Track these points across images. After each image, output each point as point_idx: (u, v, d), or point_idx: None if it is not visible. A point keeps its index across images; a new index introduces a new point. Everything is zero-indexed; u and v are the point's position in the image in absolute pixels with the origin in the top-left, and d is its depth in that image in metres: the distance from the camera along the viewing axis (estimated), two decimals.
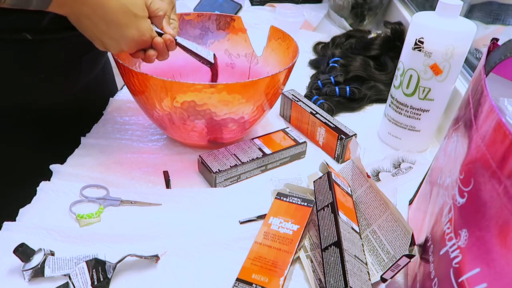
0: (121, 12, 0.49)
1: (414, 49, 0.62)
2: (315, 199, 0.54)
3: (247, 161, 0.61)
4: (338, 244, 0.45)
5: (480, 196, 0.30)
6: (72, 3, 0.47)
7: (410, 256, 0.43)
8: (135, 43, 0.52)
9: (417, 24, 0.61)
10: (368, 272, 0.46)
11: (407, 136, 0.69)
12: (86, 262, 0.46)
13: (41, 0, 0.46)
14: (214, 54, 0.64)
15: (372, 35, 1.02)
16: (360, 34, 1.05)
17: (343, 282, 0.42)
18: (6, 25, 0.54)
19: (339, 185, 0.54)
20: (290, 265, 0.46)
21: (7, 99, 0.61)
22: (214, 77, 0.66)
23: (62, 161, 0.62)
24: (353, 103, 0.81)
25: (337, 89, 0.80)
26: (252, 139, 0.67)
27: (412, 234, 0.44)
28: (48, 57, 0.61)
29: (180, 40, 0.58)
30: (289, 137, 0.67)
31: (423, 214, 0.46)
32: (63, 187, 0.58)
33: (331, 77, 0.83)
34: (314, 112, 0.71)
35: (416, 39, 0.61)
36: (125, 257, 0.46)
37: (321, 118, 0.69)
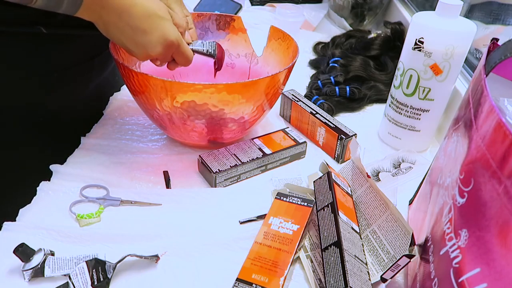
0: (146, 16, 0.49)
1: (414, 49, 0.62)
2: (315, 199, 0.54)
3: (247, 161, 0.61)
4: (338, 244, 0.45)
5: (480, 196, 0.30)
6: (99, 10, 0.48)
7: (410, 256, 0.43)
8: (161, 47, 0.52)
9: (417, 24, 0.61)
10: (368, 272, 0.46)
11: (407, 136, 0.69)
12: (86, 262, 0.46)
13: (71, 5, 0.46)
14: (216, 44, 0.62)
15: (372, 35, 1.02)
16: (360, 34, 1.05)
17: (343, 282, 0.42)
18: (22, 18, 0.54)
19: (339, 185, 0.54)
20: (290, 265, 0.46)
21: (19, 99, 0.61)
22: (219, 68, 0.65)
23: (62, 161, 0.62)
24: (353, 103, 0.81)
25: (337, 89, 0.80)
26: (252, 139, 0.67)
27: (412, 234, 0.44)
28: (61, 57, 0.61)
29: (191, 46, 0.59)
30: (289, 137, 0.67)
31: (423, 214, 0.46)
32: (63, 187, 0.58)
33: (331, 77, 0.83)
34: (314, 112, 0.71)
35: (416, 39, 0.61)
36: (125, 257, 0.46)
37: (321, 118, 0.69)
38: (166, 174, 0.62)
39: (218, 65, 0.64)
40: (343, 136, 0.65)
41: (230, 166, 0.60)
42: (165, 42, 0.51)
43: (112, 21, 0.49)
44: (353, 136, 0.66)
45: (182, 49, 0.55)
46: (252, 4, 1.27)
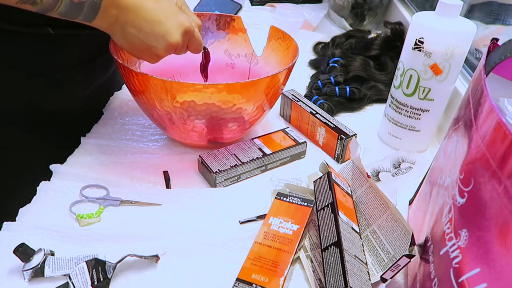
0: (159, 9, 0.52)
1: (414, 49, 0.62)
2: (315, 199, 0.54)
3: (247, 161, 0.61)
4: (338, 244, 0.45)
5: (480, 196, 0.30)
6: (116, 12, 0.50)
7: (410, 256, 0.43)
8: (179, 33, 0.53)
9: (417, 24, 0.61)
10: (368, 272, 0.46)
11: (407, 136, 0.69)
12: (86, 262, 0.46)
13: (89, 12, 0.49)
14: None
15: (372, 35, 1.02)
16: (360, 34, 1.05)
17: (343, 282, 0.42)
18: (30, 19, 0.54)
19: (339, 185, 0.54)
20: (290, 265, 0.46)
21: (22, 99, 0.61)
22: (206, 64, 0.66)
23: (62, 161, 0.62)
24: (353, 103, 0.81)
25: (337, 89, 0.80)
26: (252, 139, 0.67)
27: (412, 234, 0.44)
28: (65, 57, 0.62)
29: None
30: (289, 137, 0.67)
31: (423, 214, 0.46)
32: (63, 187, 0.58)
33: (331, 77, 0.83)
34: (314, 112, 0.71)
35: (416, 39, 0.61)
36: (125, 257, 0.46)
37: (321, 118, 0.69)
38: (166, 174, 0.62)
39: (205, 63, 0.66)
40: (343, 136, 0.65)
41: (230, 166, 0.60)
42: (182, 28, 0.53)
43: (130, 20, 0.51)
44: (353, 136, 0.66)
45: (197, 35, 0.57)
46: (252, 4, 1.27)
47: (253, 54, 0.75)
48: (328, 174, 0.55)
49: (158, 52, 0.53)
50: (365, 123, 0.77)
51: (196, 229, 0.53)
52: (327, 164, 0.58)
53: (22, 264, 0.45)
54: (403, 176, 0.63)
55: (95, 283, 0.45)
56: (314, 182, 0.57)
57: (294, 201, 0.53)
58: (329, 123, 0.68)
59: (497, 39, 0.40)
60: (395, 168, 0.65)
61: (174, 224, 0.54)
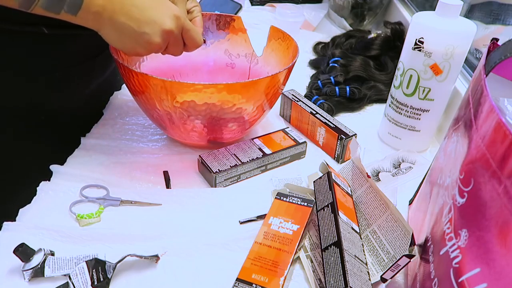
0: None
1: (414, 49, 0.62)
2: (315, 199, 0.54)
3: (247, 161, 0.61)
4: (338, 244, 0.45)
5: (480, 196, 0.30)
6: (101, 2, 0.47)
7: (410, 256, 0.43)
8: (171, 19, 0.51)
9: (417, 24, 0.61)
10: (368, 272, 0.46)
11: (407, 136, 0.69)
12: (86, 262, 0.46)
13: (71, 4, 0.46)
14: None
15: (372, 35, 1.02)
16: (360, 34, 1.05)
17: (343, 282, 0.42)
18: (24, 17, 0.54)
19: (339, 185, 0.54)
20: (290, 265, 0.46)
21: (21, 98, 0.61)
22: None
23: (62, 161, 0.62)
24: (353, 103, 0.81)
25: (337, 89, 0.80)
26: (252, 139, 0.67)
27: (412, 234, 0.44)
28: (64, 56, 0.62)
29: None
30: (289, 137, 0.67)
31: (423, 214, 0.46)
32: (63, 187, 0.58)
33: (331, 77, 0.83)
34: (314, 112, 0.71)
35: (416, 39, 0.61)
36: (125, 257, 0.46)
37: (321, 118, 0.69)
38: (166, 174, 0.62)
39: None
40: (343, 136, 0.65)
41: (230, 166, 0.60)
42: (172, 14, 0.51)
43: (118, 8, 0.48)
44: (353, 136, 0.66)
45: (188, 25, 0.53)
46: (252, 4, 1.27)
47: (253, 54, 0.75)
48: (328, 174, 0.55)
49: (152, 39, 0.50)
50: (365, 123, 0.77)
51: (196, 229, 0.53)
52: (327, 164, 0.58)
53: (22, 264, 0.45)
54: (403, 176, 0.63)
55: (95, 283, 0.45)
56: (314, 182, 0.57)
57: (294, 201, 0.53)
58: (329, 123, 0.68)
59: (497, 39, 0.40)
60: (395, 168, 0.65)
61: (174, 224, 0.54)
